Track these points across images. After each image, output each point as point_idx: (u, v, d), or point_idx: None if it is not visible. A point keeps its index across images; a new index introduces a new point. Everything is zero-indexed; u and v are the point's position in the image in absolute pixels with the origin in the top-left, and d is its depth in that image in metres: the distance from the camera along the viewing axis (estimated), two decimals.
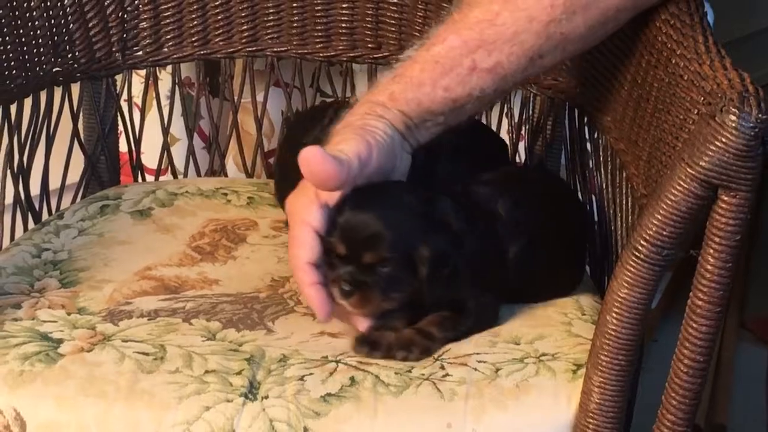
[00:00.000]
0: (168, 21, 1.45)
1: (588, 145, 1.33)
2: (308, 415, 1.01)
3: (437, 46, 1.10)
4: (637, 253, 0.97)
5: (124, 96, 1.46)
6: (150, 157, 1.53)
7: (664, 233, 0.95)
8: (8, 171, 1.30)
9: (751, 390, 1.85)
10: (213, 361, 1.06)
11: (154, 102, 1.51)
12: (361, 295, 1.06)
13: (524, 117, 1.43)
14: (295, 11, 1.45)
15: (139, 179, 1.50)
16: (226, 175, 1.53)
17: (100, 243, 1.29)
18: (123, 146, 1.49)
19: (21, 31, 1.30)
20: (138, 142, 1.48)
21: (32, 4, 1.32)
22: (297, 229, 1.07)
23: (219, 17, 1.45)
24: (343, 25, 1.46)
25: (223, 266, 1.25)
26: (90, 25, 1.40)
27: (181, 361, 1.06)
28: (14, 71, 1.29)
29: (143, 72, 1.49)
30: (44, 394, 1.04)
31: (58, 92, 1.38)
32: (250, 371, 1.05)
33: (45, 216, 1.37)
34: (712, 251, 0.94)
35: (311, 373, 1.05)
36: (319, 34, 1.46)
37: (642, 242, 0.96)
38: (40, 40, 1.33)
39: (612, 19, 1.10)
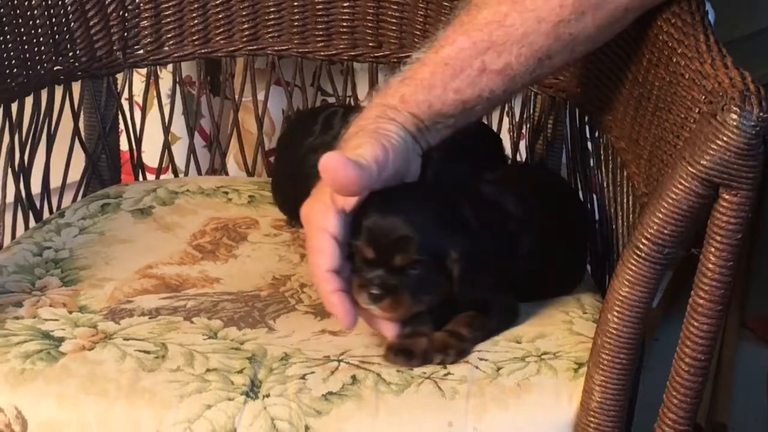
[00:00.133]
0: (169, 19, 1.45)
1: (589, 144, 1.33)
2: (309, 413, 1.01)
3: (446, 48, 1.09)
4: (638, 252, 0.97)
5: (125, 94, 1.46)
6: (151, 155, 1.53)
7: (665, 232, 0.95)
8: (9, 169, 1.30)
9: (752, 389, 1.85)
10: (214, 360, 1.06)
11: (155, 100, 1.51)
12: (392, 299, 1.04)
13: (525, 116, 1.43)
14: (295, 10, 1.45)
15: (140, 178, 1.51)
16: (226, 174, 1.53)
17: (101, 241, 1.29)
18: (124, 145, 1.49)
19: (22, 29, 1.30)
20: (139, 140, 1.48)
21: (33, 2, 1.32)
22: (315, 237, 1.05)
23: (220, 16, 1.45)
24: (344, 23, 1.46)
25: (224, 265, 1.25)
26: (91, 23, 1.40)
27: (183, 360, 1.06)
28: (15, 70, 1.30)
29: (144, 71, 1.49)
30: (45, 393, 1.04)
31: (59, 91, 1.38)
32: (252, 370, 1.05)
33: (46, 214, 1.37)
34: (713, 250, 0.94)
35: (313, 372, 1.05)
36: (320, 32, 1.46)
37: (643, 241, 0.96)
38: (41, 39, 1.33)
39: (620, 19, 1.10)
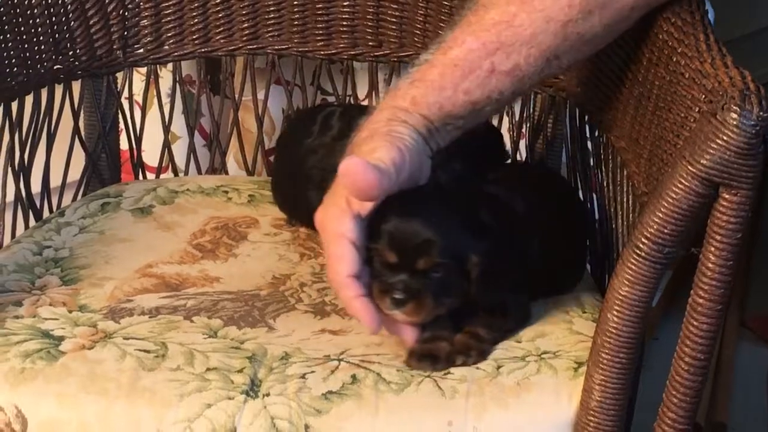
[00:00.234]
0: (169, 18, 1.45)
1: (589, 143, 1.33)
2: (309, 412, 1.01)
3: (455, 49, 1.09)
4: (638, 251, 0.97)
5: (125, 94, 1.46)
6: (151, 154, 1.53)
7: (665, 231, 0.95)
8: (9, 168, 1.30)
9: (751, 388, 1.85)
10: (214, 359, 1.06)
11: (155, 100, 1.51)
12: (416, 303, 1.04)
13: (525, 115, 1.43)
14: (295, 9, 1.45)
15: (140, 177, 1.50)
16: (226, 173, 1.53)
17: (101, 240, 1.29)
18: (124, 144, 1.49)
19: (22, 28, 1.30)
20: (139, 139, 1.48)
21: (33, 1, 1.31)
22: (333, 243, 1.04)
23: (220, 15, 1.45)
24: (344, 23, 1.46)
25: (224, 264, 1.25)
26: (91, 22, 1.40)
27: (183, 359, 1.06)
28: (15, 68, 1.29)
29: (144, 70, 1.49)
30: (45, 392, 1.04)
31: (59, 90, 1.37)
32: (252, 369, 1.05)
33: (46, 214, 1.37)
34: (713, 249, 0.94)
35: (313, 371, 1.05)
36: (320, 31, 1.46)
37: (643, 240, 0.96)
38: (41, 38, 1.33)
39: (626, 17, 1.10)
